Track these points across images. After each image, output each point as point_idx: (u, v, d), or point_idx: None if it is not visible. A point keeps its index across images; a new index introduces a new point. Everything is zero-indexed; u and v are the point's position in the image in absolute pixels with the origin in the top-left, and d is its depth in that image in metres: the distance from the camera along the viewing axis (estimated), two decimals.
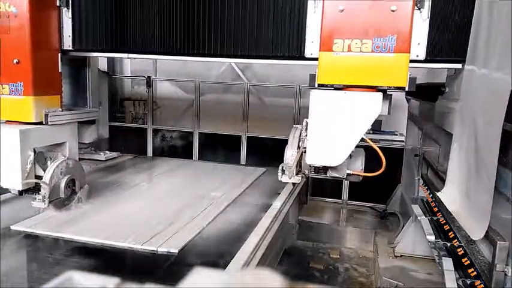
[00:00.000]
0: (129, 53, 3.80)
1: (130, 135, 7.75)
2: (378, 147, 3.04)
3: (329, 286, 4.28)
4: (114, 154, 4.47)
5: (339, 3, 2.75)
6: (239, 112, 7.27)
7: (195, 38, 3.45)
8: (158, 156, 7.58)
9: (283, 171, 3.21)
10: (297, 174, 3.22)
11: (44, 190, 3.39)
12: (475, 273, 2.38)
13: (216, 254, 3.14)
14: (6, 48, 3.25)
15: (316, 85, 2.91)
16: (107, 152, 4.50)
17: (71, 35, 3.59)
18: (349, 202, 6.77)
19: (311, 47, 3.15)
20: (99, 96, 4.40)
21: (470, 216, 2.36)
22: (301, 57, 3.22)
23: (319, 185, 6.63)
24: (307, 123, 3.03)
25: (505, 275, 2.09)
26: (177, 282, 0.73)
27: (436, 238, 2.99)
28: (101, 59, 7.57)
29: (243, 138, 7.23)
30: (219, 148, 7.40)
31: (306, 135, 3.03)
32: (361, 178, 3.30)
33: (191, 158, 7.43)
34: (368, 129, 2.95)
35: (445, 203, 2.77)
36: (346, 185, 6.64)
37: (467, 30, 2.72)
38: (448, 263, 2.54)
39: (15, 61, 3.26)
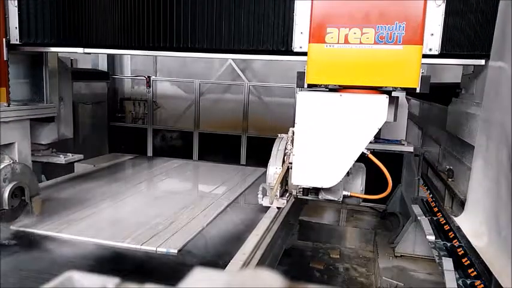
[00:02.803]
0: (85, 47, 3.23)
1: (130, 135, 7.77)
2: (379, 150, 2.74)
3: (329, 286, 4.28)
4: (76, 157, 4.03)
5: None
6: (239, 112, 7.27)
7: (160, 30, 2.92)
8: (158, 156, 7.59)
9: (264, 193, 2.63)
10: (281, 195, 2.65)
11: None
12: (475, 273, 2.37)
13: (215, 254, 3.13)
14: None
15: (306, 85, 2.37)
16: (68, 154, 4.00)
17: (17, 26, 3.11)
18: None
19: (300, 39, 2.55)
20: (60, 91, 3.80)
21: (502, 258, 1.79)
22: (289, 51, 2.65)
23: None
24: (293, 133, 2.45)
25: None
26: (176, 282, 0.73)
27: (436, 238, 2.97)
28: (101, 57, 7.60)
29: (243, 138, 7.23)
30: (219, 148, 7.39)
31: (292, 150, 2.45)
32: (361, 201, 2.79)
33: (191, 158, 7.43)
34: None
35: (467, 235, 2.26)
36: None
37: (492, 18, 2.23)
38: (448, 263, 2.53)
39: None
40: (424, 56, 2.27)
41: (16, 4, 3.06)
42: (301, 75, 2.36)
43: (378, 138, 3.04)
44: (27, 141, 3.34)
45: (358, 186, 2.68)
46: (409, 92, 2.33)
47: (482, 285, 2.25)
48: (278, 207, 2.68)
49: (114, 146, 7.63)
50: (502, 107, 1.97)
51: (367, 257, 5.35)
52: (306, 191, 2.58)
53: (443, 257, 2.64)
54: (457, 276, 2.43)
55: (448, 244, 2.85)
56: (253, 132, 7.22)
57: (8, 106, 3.14)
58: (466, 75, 2.93)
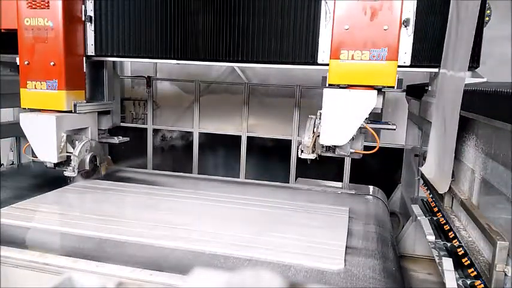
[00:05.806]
0: (137, 57, 4.63)
1: (130, 135, 7.75)
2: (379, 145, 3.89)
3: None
4: (126, 139, 5.44)
5: (344, 23, 3.57)
6: (239, 112, 7.28)
7: (233, 47, 4.15)
8: (159, 155, 7.60)
9: (301, 151, 4.07)
10: (312, 153, 4.07)
11: (74, 162, 4.32)
12: (475, 273, 2.37)
13: None
14: (45, 53, 4.21)
15: (327, 85, 3.73)
16: (119, 136, 5.38)
17: (93, 44, 4.49)
18: None
19: (323, 55, 3.92)
20: (113, 91, 5.27)
21: (439, 178, 3.13)
22: (315, 63, 3.98)
23: None
24: (320, 113, 3.81)
25: (505, 275, 2.08)
26: None
27: (436, 238, 2.98)
28: None
29: (243, 138, 7.24)
30: (219, 148, 7.40)
31: (320, 123, 3.80)
32: (361, 155, 4.10)
33: (191, 157, 7.45)
34: (367, 119, 3.79)
35: (425, 174, 3.44)
36: (346, 183, 6.64)
37: (443, 42, 3.38)
38: (448, 263, 2.54)
39: (51, 63, 4.20)
40: (400, 66, 3.62)
41: (93, 29, 4.44)
42: (324, 78, 3.75)
43: (375, 121, 4.12)
44: (96, 127, 4.86)
45: (359, 146, 4.02)
46: (391, 89, 3.66)
47: (482, 285, 2.25)
48: (310, 159, 4.07)
49: (114, 146, 7.62)
50: (442, 98, 3.15)
51: None
52: (328, 148, 4.00)
53: (443, 257, 2.64)
54: (457, 276, 2.43)
55: (448, 244, 2.85)
56: (253, 132, 7.23)
57: (86, 103, 4.59)
58: (431, 78, 4.00)
